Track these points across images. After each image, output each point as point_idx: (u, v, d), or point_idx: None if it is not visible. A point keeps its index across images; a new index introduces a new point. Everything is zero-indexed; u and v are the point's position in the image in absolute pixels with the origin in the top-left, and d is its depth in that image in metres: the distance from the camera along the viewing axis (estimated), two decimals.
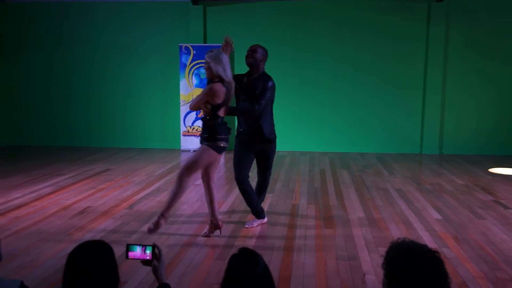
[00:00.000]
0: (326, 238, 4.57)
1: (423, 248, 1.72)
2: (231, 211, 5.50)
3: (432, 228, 4.89)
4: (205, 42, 9.93)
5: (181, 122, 9.85)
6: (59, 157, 9.04)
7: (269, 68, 5.00)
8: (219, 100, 4.31)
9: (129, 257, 2.36)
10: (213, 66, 4.33)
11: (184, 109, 9.79)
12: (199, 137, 4.56)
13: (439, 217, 5.29)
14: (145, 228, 4.83)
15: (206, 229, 4.65)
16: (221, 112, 4.40)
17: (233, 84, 4.47)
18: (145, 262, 2.35)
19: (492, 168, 8.17)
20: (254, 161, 4.93)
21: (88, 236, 4.55)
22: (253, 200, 4.86)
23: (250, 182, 4.88)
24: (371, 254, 4.13)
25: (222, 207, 5.65)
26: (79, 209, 5.52)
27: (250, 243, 4.39)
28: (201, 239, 4.51)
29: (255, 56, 4.67)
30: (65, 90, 10.56)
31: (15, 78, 10.67)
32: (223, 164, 8.46)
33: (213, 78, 4.38)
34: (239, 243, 4.44)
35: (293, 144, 9.64)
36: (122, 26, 10.26)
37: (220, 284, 1.88)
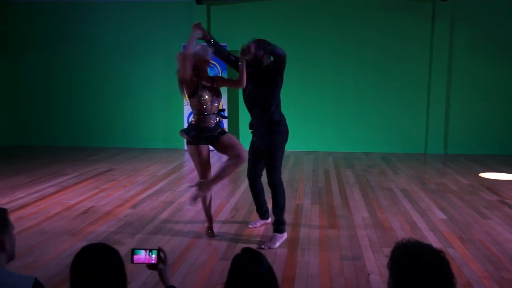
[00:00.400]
0: (330, 238, 4.56)
1: (429, 248, 1.71)
2: (234, 211, 5.50)
3: (437, 228, 4.88)
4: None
5: (185, 121, 9.86)
6: (62, 157, 9.06)
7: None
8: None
9: (134, 262, 2.35)
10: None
11: (187, 108, 9.79)
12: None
13: (444, 217, 5.27)
14: (149, 227, 4.84)
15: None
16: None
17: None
18: (150, 266, 2.35)
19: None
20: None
21: (91, 236, 4.56)
22: (259, 199, 4.82)
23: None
24: (376, 254, 4.13)
25: (225, 207, 5.65)
26: (82, 209, 5.53)
27: (254, 243, 4.38)
28: (204, 239, 4.51)
29: (257, 54, 4.36)
30: (67, 90, 10.58)
31: (17, 77, 10.71)
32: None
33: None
34: (243, 243, 4.43)
35: (297, 144, 9.63)
36: (125, 25, 10.28)
37: (223, 285, 1.88)
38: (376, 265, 3.90)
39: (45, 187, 6.61)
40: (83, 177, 7.24)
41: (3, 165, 8.22)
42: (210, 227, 4.62)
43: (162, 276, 2.34)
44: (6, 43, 10.61)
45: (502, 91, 9.63)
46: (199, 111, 4.31)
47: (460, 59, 9.63)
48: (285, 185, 6.71)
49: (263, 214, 4.92)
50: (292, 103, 9.63)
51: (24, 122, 10.79)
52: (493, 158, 9.11)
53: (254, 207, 5.20)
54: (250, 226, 4.90)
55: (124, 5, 10.25)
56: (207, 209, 4.61)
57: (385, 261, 3.87)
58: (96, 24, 10.34)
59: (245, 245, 4.28)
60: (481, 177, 7.40)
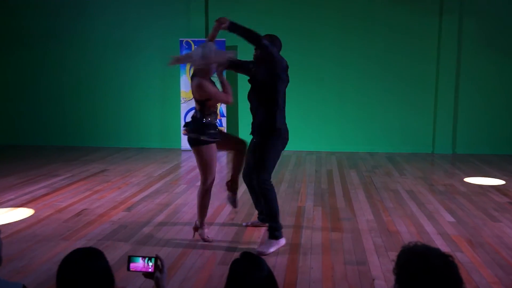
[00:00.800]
0: (334, 242, 4.56)
1: (436, 253, 1.71)
2: (233, 214, 5.49)
3: (444, 231, 4.87)
4: (206, 36, 9.91)
5: (182, 120, 9.85)
6: (53, 157, 9.06)
7: None
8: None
9: (131, 269, 2.36)
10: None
11: (184, 106, 9.79)
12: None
13: (452, 219, 5.27)
14: (144, 231, 4.83)
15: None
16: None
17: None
18: (147, 274, 2.36)
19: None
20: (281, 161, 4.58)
21: (84, 240, 4.56)
22: (256, 196, 4.79)
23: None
24: (381, 259, 4.12)
25: (224, 209, 5.65)
26: (75, 211, 5.53)
27: (254, 247, 4.38)
28: (202, 243, 4.51)
29: (257, 53, 4.40)
30: (59, 87, 10.57)
31: (5, 74, 10.69)
32: (224, 165, 8.47)
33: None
34: (242, 247, 4.43)
35: (298, 144, 9.62)
36: (119, 19, 10.26)
37: None
38: (381, 270, 3.90)
39: (36, 188, 6.60)
40: (75, 178, 7.24)
41: None
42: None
43: (158, 285, 2.34)
44: None
45: None
46: (215, 109, 4.42)
47: (469, 54, 9.61)
48: (286, 186, 6.79)
49: (260, 215, 4.94)
50: (293, 100, 9.59)
51: (13, 121, 10.78)
52: (503, 158, 9.10)
53: (254, 210, 5.21)
54: (243, 224, 5.01)
55: None
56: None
57: (390, 266, 3.87)
58: (89, 18, 10.32)
59: (244, 249, 4.29)
60: (490, 178, 7.40)
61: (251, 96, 4.52)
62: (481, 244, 4.49)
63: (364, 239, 4.64)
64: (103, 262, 1.94)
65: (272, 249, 4.26)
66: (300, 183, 7.08)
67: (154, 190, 6.60)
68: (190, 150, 9.92)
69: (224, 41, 9.53)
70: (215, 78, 4.51)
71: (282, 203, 5.89)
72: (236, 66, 4.66)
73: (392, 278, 1.77)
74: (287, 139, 4.50)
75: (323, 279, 3.73)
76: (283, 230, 4.84)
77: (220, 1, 9.98)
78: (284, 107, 4.43)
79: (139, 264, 2.35)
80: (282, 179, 7.26)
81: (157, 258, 2.36)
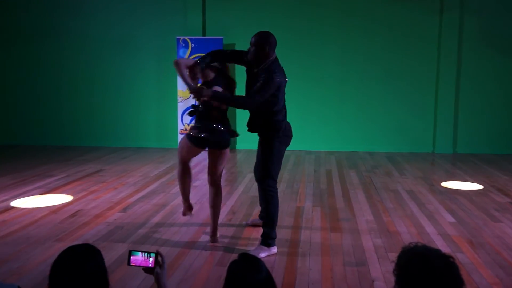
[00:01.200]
0: (333, 243, 4.56)
1: (437, 253, 1.71)
2: (231, 214, 5.49)
3: (445, 231, 4.88)
4: (204, 34, 9.92)
5: (179, 119, 9.85)
6: (49, 157, 9.04)
7: None
8: None
9: (131, 264, 2.39)
10: None
11: (181, 106, 9.79)
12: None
13: (452, 220, 5.28)
14: (141, 232, 4.83)
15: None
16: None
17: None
18: (147, 269, 2.38)
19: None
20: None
21: (79, 241, 4.54)
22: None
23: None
24: (381, 260, 4.13)
25: (222, 210, 5.63)
26: (70, 212, 5.52)
27: (252, 248, 4.38)
28: (200, 243, 4.51)
29: (251, 51, 4.27)
30: (54, 86, 10.55)
31: (1, 74, 10.67)
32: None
33: None
34: (240, 248, 4.43)
35: (297, 143, 9.55)
36: (116, 18, 10.25)
37: None
38: (381, 271, 3.90)
39: (31, 189, 6.59)
40: (71, 179, 7.23)
41: None
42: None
43: (158, 281, 2.34)
44: None
45: None
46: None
47: (470, 53, 9.63)
48: (284, 186, 6.79)
49: (261, 212, 4.91)
50: (292, 100, 9.58)
51: (8, 120, 10.76)
52: (504, 158, 9.12)
53: (252, 210, 5.22)
54: (244, 223, 5.03)
55: None
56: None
57: (390, 267, 3.88)
58: (85, 16, 10.31)
59: (242, 250, 4.29)
60: (491, 177, 7.41)
61: (248, 88, 4.38)
62: (481, 245, 4.50)
63: (363, 239, 4.64)
64: (97, 260, 1.93)
65: (262, 255, 4.18)
66: (299, 183, 7.08)
67: (150, 190, 6.59)
68: None
69: (222, 38, 9.54)
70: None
71: (281, 203, 5.84)
72: (225, 58, 4.50)
73: (392, 279, 1.77)
74: (291, 136, 4.46)
75: (322, 280, 3.73)
76: (281, 231, 4.85)
77: None
78: (284, 104, 4.38)
79: (139, 258, 2.37)
80: (281, 179, 7.25)
81: (157, 253, 2.38)
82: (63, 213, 5.49)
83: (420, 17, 9.65)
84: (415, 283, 1.67)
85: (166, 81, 10.16)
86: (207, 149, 4.44)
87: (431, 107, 9.84)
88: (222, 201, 5.85)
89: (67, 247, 1.97)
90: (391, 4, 9.67)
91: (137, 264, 2.37)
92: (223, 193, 6.37)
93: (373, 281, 3.72)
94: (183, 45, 9.67)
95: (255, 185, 5.05)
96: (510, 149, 9.68)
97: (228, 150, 4.45)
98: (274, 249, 4.31)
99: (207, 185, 4.65)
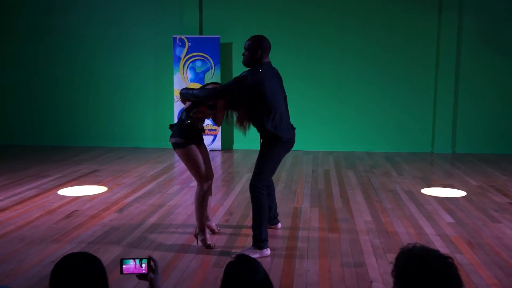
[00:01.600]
0: (331, 244, 4.56)
1: (436, 254, 1.71)
2: (228, 215, 5.49)
3: (444, 232, 4.89)
4: (201, 33, 9.91)
5: (175, 119, 9.84)
6: (44, 157, 9.03)
7: (270, 59, 4.57)
8: None
9: (124, 272, 2.39)
10: None
11: (178, 105, 9.78)
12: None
13: (451, 220, 5.28)
14: (137, 233, 4.82)
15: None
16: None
17: None
18: (140, 276, 2.38)
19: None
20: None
21: (75, 242, 4.54)
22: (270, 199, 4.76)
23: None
24: (379, 261, 4.13)
25: (219, 210, 5.65)
26: (65, 213, 5.51)
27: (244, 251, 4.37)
28: (196, 245, 4.50)
29: (245, 55, 4.35)
30: (50, 85, 10.53)
31: None
32: (219, 165, 8.47)
33: None
34: (237, 249, 4.43)
35: (295, 143, 9.59)
36: (112, 17, 10.24)
37: None
38: (380, 272, 3.91)
39: (25, 189, 6.58)
40: (66, 179, 7.21)
41: None
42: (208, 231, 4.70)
43: (153, 286, 2.34)
44: None
45: None
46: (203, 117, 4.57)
47: (469, 53, 9.64)
48: (282, 187, 6.79)
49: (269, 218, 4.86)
50: (290, 100, 9.59)
51: (4, 120, 10.73)
52: (503, 158, 9.14)
53: (249, 211, 5.20)
54: (249, 224, 4.91)
55: None
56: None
57: (389, 268, 3.88)
58: (81, 15, 10.29)
59: (239, 252, 4.28)
60: (491, 177, 7.43)
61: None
62: (480, 245, 4.50)
63: (362, 240, 4.65)
64: (99, 268, 1.93)
65: (254, 256, 4.06)
66: (297, 183, 7.08)
67: (146, 191, 6.58)
68: None
69: (219, 37, 9.54)
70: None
71: (278, 204, 5.88)
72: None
73: (390, 280, 1.77)
74: (292, 142, 4.53)
75: (320, 282, 3.73)
76: (279, 232, 4.85)
77: None
78: (280, 106, 4.37)
79: (131, 266, 2.37)
80: (279, 179, 7.26)
81: (149, 259, 2.37)
82: (58, 213, 5.48)
83: (418, 16, 9.65)
84: (414, 284, 1.67)
85: (162, 80, 10.15)
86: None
87: (430, 107, 9.85)
88: (219, 202, 5.83)
89: (66, 252, 1.97)
90: (390, 3, 9.67)
91: (130, 272, 2.37)
92: (220, 194, 6.40)
93: (371, 282, 3.72)
94: (180, 44, 9.66)
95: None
96: (510, 149, 9.69)
97: (180, 151, 4.44)
98: (267, 251, 4.28)
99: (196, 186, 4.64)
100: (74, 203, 5.92)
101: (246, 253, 4.08)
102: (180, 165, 8.38)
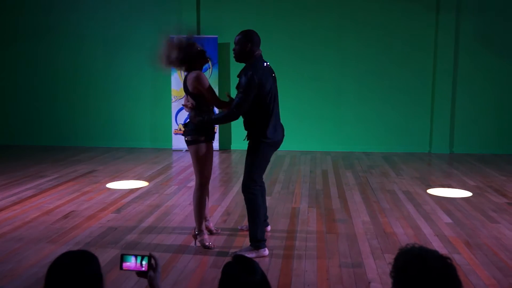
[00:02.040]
0: (329, 244, 4.56)
1: (434, 255, 1.71)
2: (226, 215, 5.48)
3: (442, 232, 4.89)
4: (198, 33, 9.90)
5: (173, 119, 9.83)
6: (41, 157, 9.01)
7: (266, 60, 4.52)
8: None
9: (124, 268, 2.35)
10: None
11: (175, 105, 9.77)
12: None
13: (449, 220, 5.29)
14: (134, 233, 4.81)
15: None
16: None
17: None
18: (140, 273, 2.35)
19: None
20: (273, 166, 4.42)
21: (72, 243, 4.54)
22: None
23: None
24: (377, 261, 4.13)
25: (216, 211, 5.64)
26: (62, 213, 5.50)
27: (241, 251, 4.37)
28: (194, 245, 4.49)
29: (235, 50, 4.32)
30: (49, 85, 10.52)
31: None
32: (217, 165, 8.46)
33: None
34: (235, 250, 4.42)
35: (293, 143, 9.63)
36: (111, 18, 10.22)
37: None
38: (378, 273, 3.90)
39: (23, 189, 6.56)
40: (63, 179, 7.20)
41: None
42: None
43: (152, 284, 2.33)
44: None
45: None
46: (211, 108, 4.62)
47: (466, 53, 9.65)
48: (280, 187, 6.79)
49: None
50: (288, 99, 9.62)
51: (3, 120, 10.71)
52: (501, 158, 9.15)
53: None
54: (239, 227, 4.99)
55: None
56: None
57: (387, 268, 3.88)
58: (81, 16, 10.27)
59: (237, 252, 4.28)
60: (489, 178, 7.43)
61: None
62: (478, 246, 4.51)
63: (360, 241, 4.64)
64: (94, 267, 1.92)
65: (251, 255, 4.12)
66: (295, 183, 7.08)
67: (144, 191, 6.57)
68: (181, 150, 9.91)
69: (217, 37, 9.53)
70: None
71: (276, 204, 5.90)
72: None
73: (388, 281, 1.77)
74: (280, 141, 4.41)
75: (318, 282, 3.73)
76: (276, 233, 4.85)
77: None
78: (274, 107, 4.29)
79: (132, 263, 2.34)
80: (276, 179, 7.26)
81: (150, 256, 2.36)
82: (55, 214, 5.46)
83: (416, 16, 9.66)
84: (412, 285, 1.66)
85: (160, 80, 10.13)
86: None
87: (428, 107, 9.86)
88: (217, 202, 5.81)
89: (63, 251, 1.96)
90: (387, 3, 9.68)
91: (130, 269, 2.34)
92: (218, 194, 6.40)
93: (369, 282, 3.72)
94: None
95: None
96: (507, 149, 9.71)
97: (193, 148, 4.51)
98: (264, 251, 4.26)
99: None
100: (72, 203, 5.91)
101: (243, 253, 4.08)
102: (177, 165, 8.38)
